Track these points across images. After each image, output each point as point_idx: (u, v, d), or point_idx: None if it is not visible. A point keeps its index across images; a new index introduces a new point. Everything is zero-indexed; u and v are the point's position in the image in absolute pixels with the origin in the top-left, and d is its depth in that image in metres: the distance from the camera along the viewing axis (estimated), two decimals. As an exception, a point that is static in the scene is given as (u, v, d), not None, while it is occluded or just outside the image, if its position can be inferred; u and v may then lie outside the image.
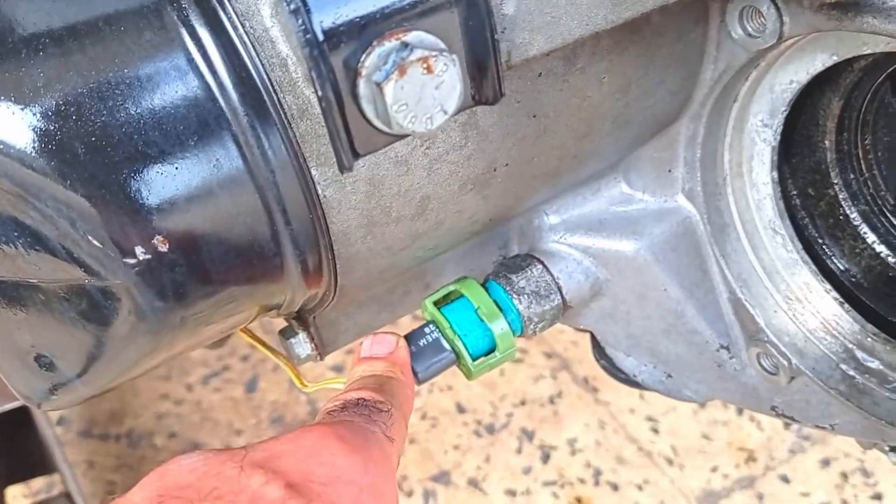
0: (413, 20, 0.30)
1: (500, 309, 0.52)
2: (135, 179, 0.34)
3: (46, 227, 0.35)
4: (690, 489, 1.08)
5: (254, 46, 0.35)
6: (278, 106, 0.35)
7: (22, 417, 0.90)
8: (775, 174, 0.50)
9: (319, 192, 0.37)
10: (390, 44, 0.30)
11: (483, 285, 0.53)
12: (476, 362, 0.51)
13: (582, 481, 1.10)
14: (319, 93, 0.29)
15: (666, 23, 0.42)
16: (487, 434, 1.17)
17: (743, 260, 0.51)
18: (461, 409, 1.19)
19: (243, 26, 0.34)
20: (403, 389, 0.49)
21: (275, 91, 0.35)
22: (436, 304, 0.52)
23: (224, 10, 0.35)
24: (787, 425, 1.11)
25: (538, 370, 1.23)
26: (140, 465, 1.09)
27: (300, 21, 0.28)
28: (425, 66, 0.29)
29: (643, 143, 0.50)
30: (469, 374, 0.52)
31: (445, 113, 0.30)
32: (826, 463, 1.09)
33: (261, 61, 0.35)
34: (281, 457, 0.40)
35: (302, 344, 0.53)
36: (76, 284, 0.37)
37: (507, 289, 0.52)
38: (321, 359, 0.54)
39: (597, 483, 1.10)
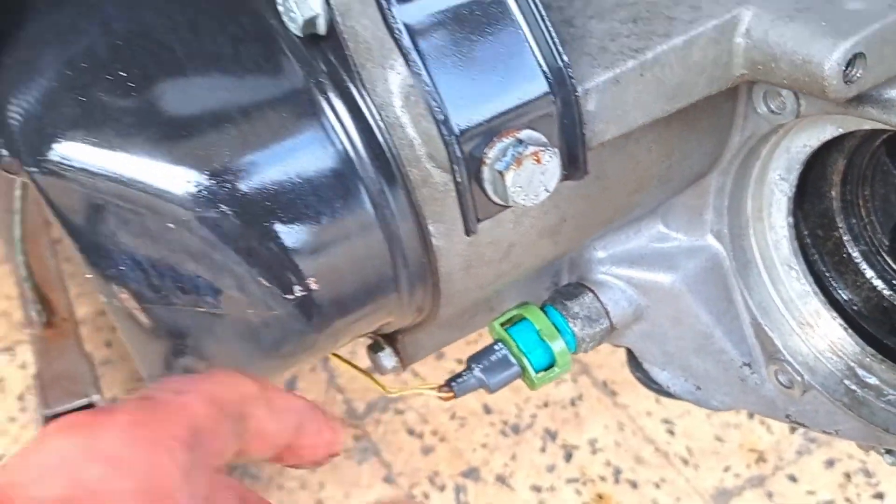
0: (523, 120, 0.40)
1: (558, 330, 0.62)
2: (296, 233, 0.44)
3: (227, 270, 0.45)
4: (705, 488, 1.14)
5: (387, 130, 0.44)
6: (405, 176, 0.45)
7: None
8: (790, 219, 0.59)
9: (433, 242, 0.47)
10: (508, 140, 0.39)
11: (542, 309, 0.63)
12: (538, 375, 0.61)
13: (603, 479, 1.17)
14: (458, 178, 0.39)
15: (704, 102, 0.51)
16: (513, 434, 1.23)
17: (763, 291, 0.61)
18: (488, 410, 1.25)
19: (379, 114, 0.44)
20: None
21: (402, 165, 0.45)
22: (502, 325, 0.62)
23: (364, 100, 0.44)
24: (793, 429, 1.17)
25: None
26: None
27: (443, 122, 0.38)
28: (535, 158, 0.39)
29: (680, 192, 0.59)
30: (532, 386, 0.61)
31: (547, 191, 0.40)
32: (830, 464, 1.15)
33: (392, 142, 0.44)
34: None
35: (388, 357, 0.62)
36: (243, 313, 0.47)
37: (564, 313, 0.62)
38: (403, 370, 0.64)
39: (617, 481, 1.16)
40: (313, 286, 0.45)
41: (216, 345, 0.50)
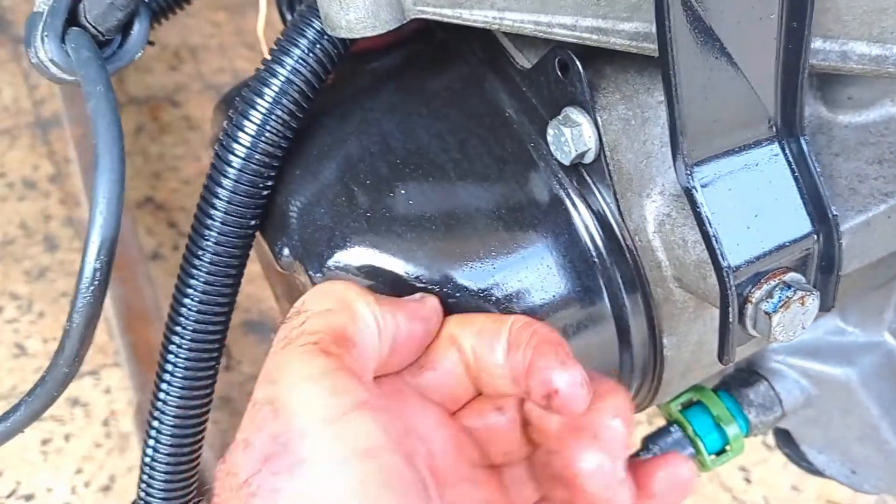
0: (786, 260, 0.43)
1: (732, 415, 0.65)
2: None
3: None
4: (781, 537, 1.16)
5: (638, 252, 0.47)
6: (649, 294, 0.48)
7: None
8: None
9: (665, 353, 0.50)
10: (774, 282, 0.42)
11: (716, 394, 0.66)
12: (711, 458, 0.64)
13: (680, 526, 1.20)
14: (730, 316, 0.42)
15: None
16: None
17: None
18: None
19: (632, 238, 0.47)
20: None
21: (647, 283, 0.48)
22: (678, 408, 0.65)
23: (618, 224, 0.47)
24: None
25: (636, 417, 1.33)
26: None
27: (725, 268, 0.41)
28: (801, 301, 0.42)
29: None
30: (704, 468, 0.64)
31: (804, 328, 0.43)
32: (907, 518, 1.15)
33: (642, 263, 0.47)
34: None
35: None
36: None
37: (738, 399, 0.65)
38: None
39: (694, 528, 1.18)
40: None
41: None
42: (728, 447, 0.64)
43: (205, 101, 1.76)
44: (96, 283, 0.44)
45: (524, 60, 0.50)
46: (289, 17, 0.76)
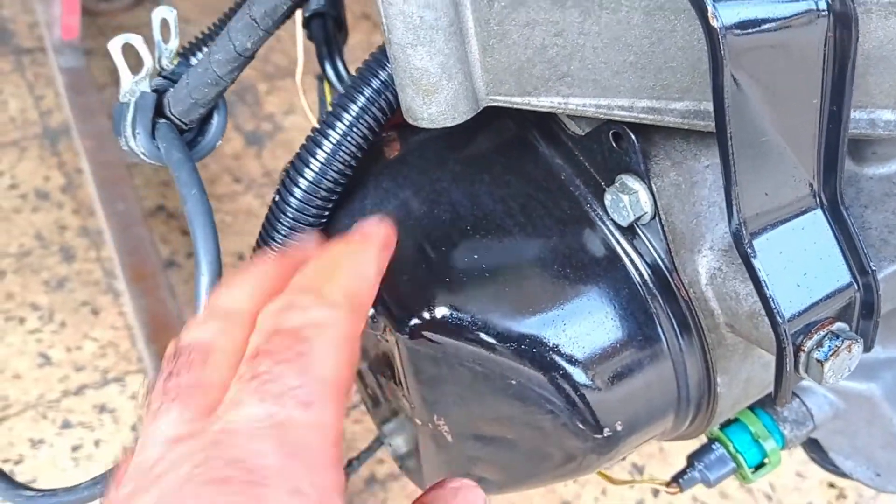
0: (830, 311, 0.48)
1: (769, 431, 0.70)
2: (615, 386, 0.52)
3: (548, 414, 0.53)
4: (788, 523, 1.22)
5: (692, 302, 0.52)
6: (703, 339, 0.53)
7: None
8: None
9: (717, 390, 0.55)
10: (823, 332, 0.47)
11: (752, 411, 0.71)
12: (752, 472, 0.69)
13: (690, 514, 1.25)
14: (787, 366, 0.47)
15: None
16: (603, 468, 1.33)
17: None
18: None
19: (686, 290, 0.52)
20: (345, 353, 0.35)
21: (702, 329, 0.53)
22: (719, 426, 0.70)
23: (673, 278, 0.52)
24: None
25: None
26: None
27: (780, 322, 0.46)
28: (848, 349, 0.47)
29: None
30: (746, 480, 0.70)
31: (850, 371, 0.48)
32: (910, 501, 1.22)
33: (696, 312, 0.52)
34: None
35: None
36: (545, 445, 0.55)
37: (774, 416, 0.70)
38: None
39: (703, 516, 1.24)
40: (618, 427, 0.53)
41: (509, 459, 0.59)
42: (766, 460, 0.69)
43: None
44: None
45: (575, 127, 0.55)
46: (328, 67, 0.80)
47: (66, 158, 1.75)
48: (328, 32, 0.78)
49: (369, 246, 0.40)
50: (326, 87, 0.81)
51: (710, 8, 0.39)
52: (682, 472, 0.69)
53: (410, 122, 0.49)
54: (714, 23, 0.39)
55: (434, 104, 0.47)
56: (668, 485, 0.69)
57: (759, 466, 0.69)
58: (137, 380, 1.43)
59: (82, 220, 1.66)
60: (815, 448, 0.78)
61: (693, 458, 0.69)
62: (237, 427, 0.31)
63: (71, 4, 1.75)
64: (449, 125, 0.48)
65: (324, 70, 0.79)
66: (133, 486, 0.31)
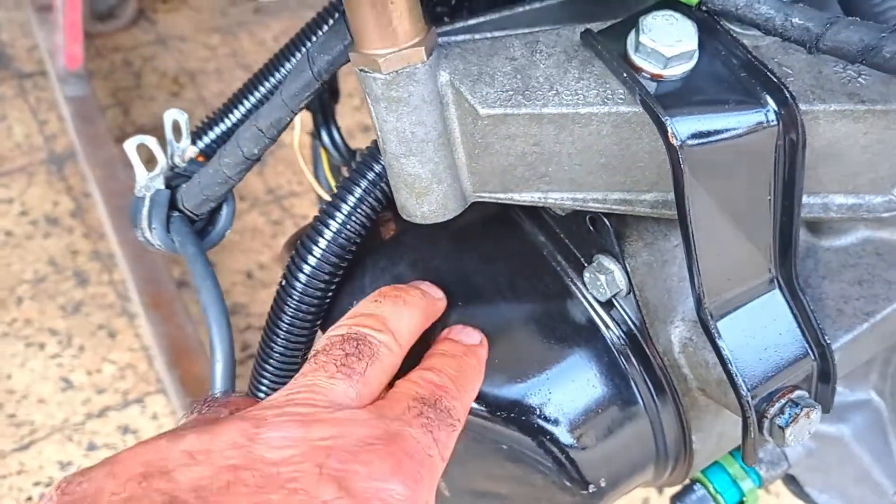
0: (789, 380, 0.53)
1: (746, 472, 0.75)
2: (599, 448, 0.57)
3: (537, 474, 0.57)
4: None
5: (667, 369, 0.57)
6: (678, 401, 0.58)
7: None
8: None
9: (693, 447, 0.60)
10: (784, 400, 0.52)
11: (731, 454, 0.76)
12: (731, 511, 0.74)
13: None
14: (750, 431, 0.51)
15: None
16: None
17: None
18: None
19: (661, 358, 0.57)
20: (475, 382, 0.51)
21: (676, 392, 0.58)
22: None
23: (648, 347, 0.57)
24: None
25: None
26: None
27: (744, 396, 0.51)
28: (808, 415, 0.52)
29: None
30: (726, 519, 0.74)
31: (810, 433, 0.53)
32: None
33: (670, 377, 0.57)
34: (354, 476, 0.37)
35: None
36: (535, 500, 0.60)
37: (750, 458, 0.75)
38: None
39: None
40: (603, 483, 0.58)
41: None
42: (744, 499, 0.74)
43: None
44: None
45: (556, 208, 0.59)
46: (324, 135, 0.85)
47: (72, 183, 1.78)
48: (323, 103, 0.83)
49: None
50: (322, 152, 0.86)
51: (669, 128, 0.44)
52: (667, 513, 0.74)
53: (405, 218, 0.54)
54: (673, 141, 0.44)
55: (426, 204, 0.52)
56: (653, 526, 0.74)
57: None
58: (157, 400, 1.48)
59: (93, 244, 1.69)
60: (791, 482, 0.83)
61: (676, 499, 0.74)
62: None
63: (74, 33, 1.76)
64: (440, 221, 0.53)
65: (320, 137, 0.84)
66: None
